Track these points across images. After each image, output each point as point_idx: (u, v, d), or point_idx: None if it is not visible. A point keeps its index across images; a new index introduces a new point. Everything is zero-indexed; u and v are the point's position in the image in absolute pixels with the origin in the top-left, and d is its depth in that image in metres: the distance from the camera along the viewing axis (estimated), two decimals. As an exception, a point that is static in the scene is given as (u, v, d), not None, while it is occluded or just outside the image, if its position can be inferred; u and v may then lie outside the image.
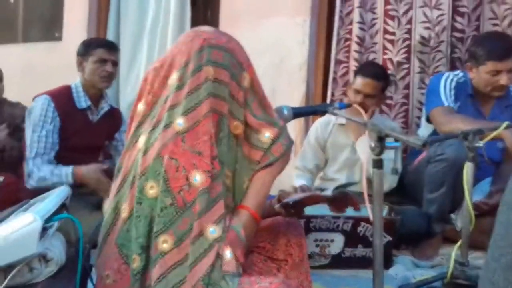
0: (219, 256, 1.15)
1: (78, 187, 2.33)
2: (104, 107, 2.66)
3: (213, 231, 1.16)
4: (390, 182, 2.53)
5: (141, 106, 1.32)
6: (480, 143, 1.80)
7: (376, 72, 2.63)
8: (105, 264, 1.24)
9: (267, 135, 1.29)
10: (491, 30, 2.86)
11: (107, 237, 1.26)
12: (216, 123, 1.25)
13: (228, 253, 1.16)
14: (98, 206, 2.20)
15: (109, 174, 2.24)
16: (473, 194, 1.93)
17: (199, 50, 1.27)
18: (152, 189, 1.19)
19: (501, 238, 0.56)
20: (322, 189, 2.62)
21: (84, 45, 2.63)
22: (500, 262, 0.56)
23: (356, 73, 2.68)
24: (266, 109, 1.34)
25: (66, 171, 2.38)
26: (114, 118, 2.73)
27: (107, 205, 1.31)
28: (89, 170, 2.38)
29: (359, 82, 2.59)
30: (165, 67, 1.31)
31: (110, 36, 3.56)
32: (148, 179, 1.20)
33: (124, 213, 1.23)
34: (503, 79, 2.44)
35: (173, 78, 1.28)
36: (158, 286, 1.14)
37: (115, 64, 2.64)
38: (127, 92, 3.59)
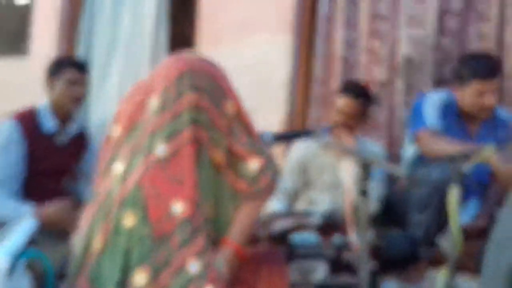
0: None
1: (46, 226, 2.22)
2: (73, 129, 2.58)
3: (193, 266, 1.14)
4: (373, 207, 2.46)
5: (116, 131, 1.30)
6: (467, 167, 1.81)
7: (358, 91, 2.62)
8: None
9: (253, 165, 1.28)
10: (476, 49, 2.86)
11: (78, 272, 1.21)
12: (196, 151, 1.24)
13: None
14: (64, 236, 2.10)
15: (75, 205, 2.14)
16: (459, 216, 1.89)
17: (181, 76, 1.27)
18: (130, 219, 1.17)
19: (489, 280, 0.52)
20: (307, 213, 2.59)
21: (54, 64, 2.57)
22: None
23: (338, 93, 2.67)
24: (252, 137, 1.34)
25: (26, 211, 2.13)
26: (83, 141, 2.66)
27: (78, 239, 1.26)
28: (56, 211, 2.17)
29: (342, 102, 2.58)
30: (144, 91, 1.30)
31: (81, 52, 3.48)
32: (126, 209, 1.17)
33: (97, 246, 1.19)
34: (489, 99, 2.43)
35: (153, 103, 1.26)
36: None
37: (86, 85, 2.59)
38: (98, 111, 3.51)
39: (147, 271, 1.13)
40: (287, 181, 2.68)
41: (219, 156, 1.28)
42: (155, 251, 1.15)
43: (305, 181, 2.70)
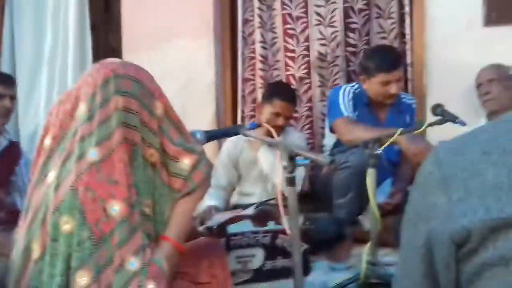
0: None
1: None
2: (3, 142, 2.51)
3: (132, 264, 1.15)
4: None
5: (47, 141, 1.28)
6: (379, 150, 1.95)
7: (293, 96, 2.80)
8: None
9: (186, 162, 1.30)
10: (379, 43, 3.09)
11: (20, 281, 1.19)
12: (129, 152, 1.24)
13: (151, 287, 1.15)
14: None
15: (9, 218, 2.09)
16: (376, 196, 2.07)
17: (106, 81, 1.26)
18: (67, 224, 1.15)
19: (408, 257, 0.58)
20: (240, 205, 2.68)
21: None
22: (410, 279, 0.58)
23: (272, 95, 2.71)
24: (183, 135, 1.35)
25: None
26: (13, 153, 2.58)
27: (16, 249, 1.24)
28: None
29: (280, 105, 2.66)
30: (72, 99, 1.28)
31: (5, 67, 3.34)
32: (62, 214, 1.15)
33: (35, 254, 1.18)
34: (393, 89, 2.63)
35: (81, 110, 1.26)
36: None
37: (13, 98, 2.51)
38: (27, 123, 3.39)
39: (89, 272, 1.12)
40: (221, 177, 2.77)
41: (153, 156, 1.27)
42: (96, 252, 1.13)
43: (238, 176, 2.81)
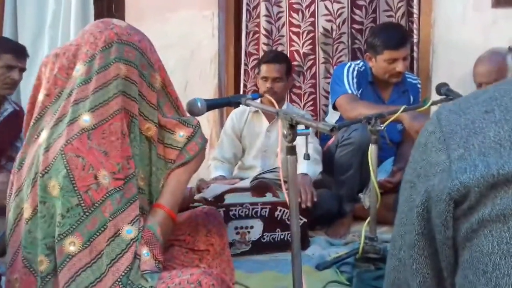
0: (137, 256, 1.12)
1: None
2: (8, 108, 2.51)
3: (129, 231, 1.13)
4: (313, 170, 2.56)
5: (41, 96, 1.23)
6: (382, 126, 1.93)
7: (276, 56, 2.75)
8: (12, 267, 1.17)
9: (181, 134, 1.27)
10: (386, 21, 3.05)
11: (10, 238, 1.19)
12: (128, 123, 1.20)
13: (145, 253, 1.13)
14: (2, 212, 2.07)
15: None
16: (378, 173, 2.07)
17: (109, 45, 1.21)
18: (55, 189, 1.12)
19: (404, 216, 0.57)
20: (241, 178, 2.69)
21: None
22: (405, 239, 0.57)
23: (259, 63, 2.77)
24: (179, 110, 1.33)
25: None
26: (18, 119, 2.56)
27: (9, 206, 1.22)
28: None
29: (264, 69, 2.69)
30: (69, 56, 1.23)
31: (7, 33, 3.31)
32: (51, 178, 1.12)
33: (26, 213, 1.16)
34: (399, 66, 2.61)
35: (79, 71, 1.21)
36: None
37: (23, 70, 2.49)
38: (28, 92, 3.38)
39: (79, 238, 1.10)
40: (225, 149, 2.77)
41: (150, 130, 1.25)
42: (86, 219, 1.10)
43: (242, 148, 2.81)
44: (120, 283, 1.09)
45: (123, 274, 1.09)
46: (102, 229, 1.11)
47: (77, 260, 1.09)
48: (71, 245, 1.10)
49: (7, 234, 1.20)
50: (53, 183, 1.12)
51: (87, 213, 1.10)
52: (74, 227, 1.10)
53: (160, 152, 1.27)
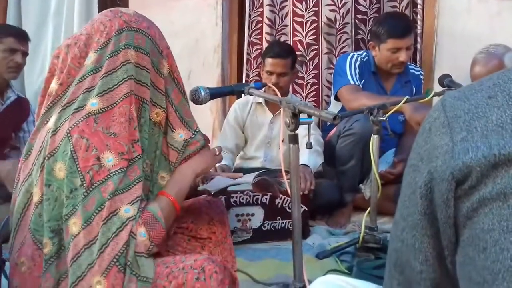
0: (132, 235, 1.12)
1: None
2: (11, 96, 2.51)
3: (127, 210, 1.13)
4: (314, 162, 2.54)
5: (54, 85, 1.26)
6: (384, 117, 1.94)
7: (283, 50, 2.70)
8: (19, 251, 1.18)
9: (181, 135, 1.29)
10: (390, 11, 3.04)
11: (20, 223, 1.20)
12: (138, 109, 1.22)
13: (142, 233, 1.13)
14: (7, 199, 2.08)
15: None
16: (379, 164, 2.08)
17: (119, 32, 1.23)
18: (61, 171, 1.14)
19: (407, 199, 0.58)
20: (243, 169, 2.70)
21: None
22: (407, 221, 0.58)
23: (264, 55, 2.73)
24: (185, 97, 1.35)
25: None
26: (21, 108, 2.58)
27: (18, 191, 1.24)
28: (4, 164, 2.19)
29: (269, 63, 2.65)
30: (80, 45, 1.25)
31: (11, 22, 3.31)
32: (57, 160, 1.14)
33: (35, 197, 1.18)
34: (402, 56, 2.61)
35: (90, 58, 1.23)
36: (70, 270, 1.11)
37: (25, 54, 2.49)
38: (33, 80, 3.39)
39: (79, 219, 1.11)
40: (228, 139, 2.77)
41: (159, 115, 1.27)
42: (85, 200, 1.11)
43: (245, 139, 2.82)
44: (117, 264, 1.09)
45: (119, 254, 1.09)
46: (99, 209, 1.11)
47: (78, 241, 1.11)
48: (74, 225, 1.12)
49: (16, 217, 1.21)
50: (59, 165, 1.14)
51: (85, 193, 1.11)
52: (76, 207, 1.12)
53: (164, 150, 1.28)
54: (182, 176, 1.28)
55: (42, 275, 1.14)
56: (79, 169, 1.12)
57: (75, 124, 1.15)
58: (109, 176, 1.13)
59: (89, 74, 1.22)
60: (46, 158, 1.16)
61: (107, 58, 1.22)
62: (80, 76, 1.23)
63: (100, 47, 1.23)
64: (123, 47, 1.23)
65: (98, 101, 1.18)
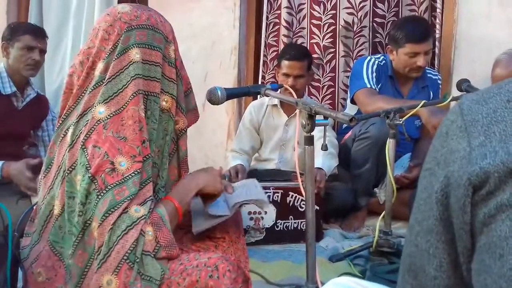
0: (142, 233, 1.13)
1: (3, 178, 2.22)
2: (31, 94, 2.54)
3: (137, 209, 1.15)
4: (328, 164, 2.51)
5: (70, 102, 1.29)
6: (400, 121, 1.92)
7: (299, 53, 2.69)
8: (37, 262, 1.21)
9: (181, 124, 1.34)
10: (409, 15, 3.02)
11: (42, 234, 1.23)
12: (145, 104, 1.23)
13: (149, 232, 1.15)
14: (24, 195, 2.12)
15: (38, 169, 2.15)
16: (394, 169, 2.07)
17: (121, 35, 1.24)
18: (80, 183, 1.16)
19: (423, 203, 0.57)
20: (257, 170, 2.71)
21: (10, 29, 2.48)
22: (422, 226, 0.57)
23: (280, 57, 2.72)
24: (189, 87, 1.38)
25: None
26: (40, 106, 2.61)
27: (40, 204, 1.27)
28: (16, 167, 2.19)
29: (286, 65, 2.64)
30: (91, 59, 1.26)
31: (32, 19, 3.37)
32: (77, 173, 1.17)
33: (56, 210, 1.20)
34: (420, 61, 2.59)
35: (99, 68, 1.24)
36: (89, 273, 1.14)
37: (43, 52, 2.51)
38: (52, 78, 3.44)
39: (96, 222, 1.13)
40: (243, 142, 2.78)
41: (167, 101, 1.29)
42: (99, 202, 1.13)
43: (260, 141, 2.82)
44: (127, 261, 1.10)
45: (129, 251, 1.10)
46: (112, 210, 1.13)
47: (97, 242, 1.13)
48: (94, 229, 1.14)
49: (38, 229, 1.24)
50: (78, 177, 1.16)
51: (99, 196, 1.13)
52: (92, 212, 1.14)
53: (173, 111, 1.30)
54: (186, 186, 1.31)
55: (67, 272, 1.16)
56: (91, 175, 1.14)
57: (87, 136, 1.17)
58: (123, 181, 1.15)
59: (98, 84, 1.23)
60: (67, 172, 1.18)
61: (112, 63, 1.23)
62: (90, 87, 1.24)
63: (106, 55, 1.24)
64: (125, 49, 1.24)
65: (104, 108, 1.19)
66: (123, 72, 1.22)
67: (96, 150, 1.15)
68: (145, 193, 1.17)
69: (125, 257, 1.10)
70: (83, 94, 1.25)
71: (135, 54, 1.23)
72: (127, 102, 1.20)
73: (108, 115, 1.18)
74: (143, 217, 1.14)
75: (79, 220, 1.15)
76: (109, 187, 1.13)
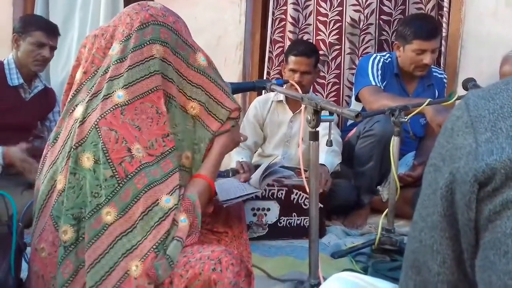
0: (174, 222, 1.16)
1: (7, 167, 2.23)
2: (38, 85, 2.55)
3: (167, 200, 1.17)
4: (331, 161, 2.51)
5: (79, 74, 1.29)
6: (405, 118, 1.91)
7: (307, 49, 2.69)
8: (40, 237, 1.21)
9: (227, 106, 1.33)
10: (418, 12, 3.00)
11: (43, 209, 1.23)
12: (164, 102, 1.24)
13: (183, 219, 1.18)
14: (29, 185, 2.13)
15: (35, 152, 2.16)
16: (398, 167, 2.06)
17: (144, 25, 1.26)
18: (89, 161, 1.17)
19: (427, 199, 0.57)
20: (259, 166, 2.70)
21: (23, 22, 2.47)
22: (427, 222, 0.57)
23: (288, 53, 2.71)
24: (226, 84, 1.39)
25: None
26: (47, 98, 2.62)
27: (42, 178, 1.27)
28: (15, 150, 2.21)
29: (293, 61, 2.63)
30: (107, 37, 1.28)
31: (38, 11, 3.37)
32: (85, 150, 1.17)
33: (59, 185, 1.20)
34: (426, 59, 2.58)
35: (114, 49, 1.26)
36: (106, 256, 1.14)
37: (53, 49, 2.52)
38: (58, 71, 3.44)
39: (114, 209, 1.14)
40: (248, 137, 2.78)
41: (195, 108, 1.29)
42: (120, 190, 1.14)
43: (263, 136, 2.81)
44: (156, 250, 1.13)
45: (160, 241, 1.13)
46: (136, 199, 1.15)
47: (113, 229, 1.15)
48: (108, 215, 1.15)
49: (39, 204, 1.24)
50: (86, 155, 1.17)
51: (121, 184, 1.15)
52: (109, 197, 1.15)
53: (208, 124, 1.31)
54: (219, 153, 1.33)
55: (61, 261, 1.16)
56: (110, 160, 1.15)
57: (102, 116, 1.18)
58: (141, 168, 1.16)
59: (114, 63, 1.24)
60: (73, 147, 1.18)
61: (131, 50, 1.24)
62: (105, 66, 1.26)
63: (125, 39, 1.26)
64: (148, 42, 1.25)
65: (124, 93, 1.21)
66: (144, 63, 1.24)
67: (112, 133, 1.16)
68: (171, 182, 1.19)
69: (154, 246, 1.13)
70: (95, 72, 1.27)
71: (157, 49, 1.25)
72: (143, 94, 1.22)
73: (127, 101, 1.20)
74: (174, 207, 1.16)
75: (92, 201, 1.16)
76: (129, 175, 1.15)
